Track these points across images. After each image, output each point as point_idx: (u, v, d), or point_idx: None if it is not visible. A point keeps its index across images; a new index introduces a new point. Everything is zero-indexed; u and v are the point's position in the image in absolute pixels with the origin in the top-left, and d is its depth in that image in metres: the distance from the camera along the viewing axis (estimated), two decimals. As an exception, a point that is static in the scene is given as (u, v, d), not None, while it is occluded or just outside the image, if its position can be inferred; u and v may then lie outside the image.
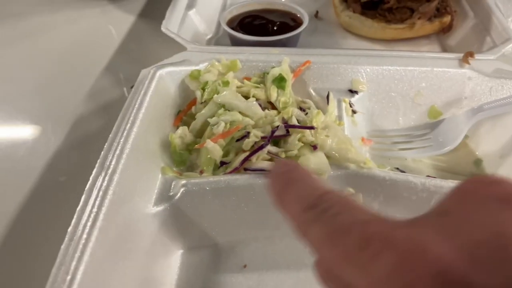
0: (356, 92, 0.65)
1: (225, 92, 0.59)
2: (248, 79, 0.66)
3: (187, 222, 0.52)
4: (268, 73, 0.64)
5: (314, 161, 0.52)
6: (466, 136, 0.64)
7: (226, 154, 0.56)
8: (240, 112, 0.57)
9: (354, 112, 0.63)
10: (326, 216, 0.27)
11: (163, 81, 0.62)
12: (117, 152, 0.50)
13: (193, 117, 0.62)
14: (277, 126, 0.55)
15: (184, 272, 0.51)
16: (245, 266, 0.52)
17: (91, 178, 0.48)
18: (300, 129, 0.54)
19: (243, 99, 0.59)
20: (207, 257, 0.53)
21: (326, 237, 0.26)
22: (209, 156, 0.55)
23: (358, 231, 0.25)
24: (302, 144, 0.53)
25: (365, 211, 0.27)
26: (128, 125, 0.53)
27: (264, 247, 0.53)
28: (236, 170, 0.53)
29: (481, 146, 0.64)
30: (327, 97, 0.61)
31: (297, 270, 0.51)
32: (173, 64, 0.63)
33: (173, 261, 0.52)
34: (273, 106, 0.62)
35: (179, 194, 0.51)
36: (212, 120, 0.56)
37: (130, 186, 0.49)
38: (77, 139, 0.69)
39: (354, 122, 0.63)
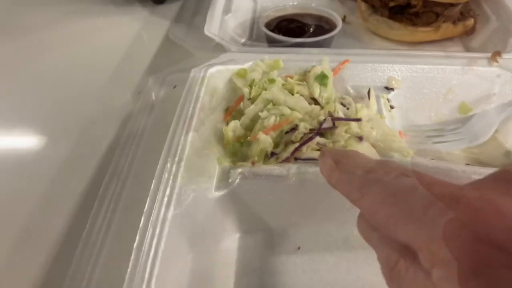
0: (392, 89, 0.69)
1: (272, 89, 0.63)
2: (291, 77, 0.70)
3: (244, 207, 0.56)
4: (309, 71, 0.68)
5: (362, 150, 0.56)
6: (495, 130, 0.68)
7: (276, 145, 0.60)
8: (287, 107, 0.61)
9: (391, 107, 0.67)
10: (388, 178, 0.28)
11: (213, 78, 0.66)
12: (181, 142, 0.54)
13: (241, 113, 0.66)
14: (325, 119, 0.59)
15: (242, 254, 0.55)
16: (298, 248, 0.55)
17: (159, 164, 0.52)
18: (346, 121, 0.58)
19: (290, 94, 0.63)
20: (262, 240, 0.56)
21: (387, 195, 0.27)
22: (260, 147, 0.59)
23: (423, 191, 0.26)
24: (349, 135, 0.57)
25: (427, 175, 0.27)
26: (187, 119, 0.58)
27: (316, 230, 0.57)
28: (287, 160, 0.57)
29: (510, 139, 0.68)
30: (368, 92, 0.65)
31: (348, 251, 0.55)
32: (221, 64, 0.68)
33: (232, 243, 0.56)
34: (316, 102, 0.66)
35: (237, 181, 0.55)
36: (263, 114, 0.60)
37: (194, 172, 0.53)
38: (94, 144, 0.70)
39: (392, 116, 0.67)
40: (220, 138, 0.62)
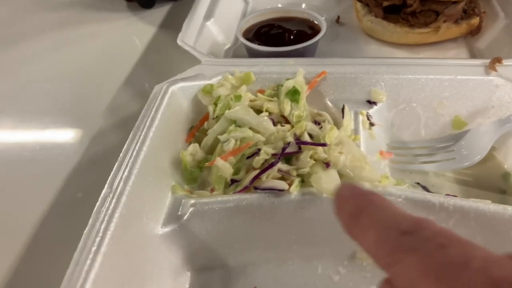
0: (374, 103, 0.62)
1: (236, 107, 0.58)
2: (262, 91, 0.64)
3: (196, 243, 0.51)
4: (282, 85, 0.63)
5: (326, 180, 0.50)
6: (493, 148, 0.60)
7: (236, 171, 0.54)
8: (251, 128, 0.56)
9: (372, 124, 0.61)
10: (429, 247, 0.24)
11: (175, 97, 0.61)
12: (125, 173, 0.50)
13: (205, 133, 0.61)
14: (289, 143, 0.53)
15: (194, 294, 0.51)
16: (255, 289, 0.51)
17: (99, 200, 0.48)
18: (312, 146, 0.52)
19: (255, 114, 0.57)
20: (217, 278, 0.52)
21: (431, 269, 0.23)
22: (219, 173, 0.54)
23: (480, 271, 0.22)
24: (314, 162, 0.52)
25: (476, 245, 0.24)
26: (138, 144, 0.53)
27: (275, 269, 0.52)
28: (246, 189, 0.52)
29: (509, 159, 0.60)
30: (342, 110, 0.58)
31: (309, 293, 0.50)
32: (186, 79, 0.63)
33: (182, 282, 0.51)
34: (287, 120, 0.61)
35: (187, 214, 0.50)
36: (222, 137, 0.55)
37: (138, 207, 0.49)
38: (95, 154, 0.70)
39: (372, 135, 0.60)
40: (180, 161, 0.57)
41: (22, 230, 0.60)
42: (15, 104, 0.81)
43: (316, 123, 0.60)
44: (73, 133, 0.74)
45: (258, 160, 0.52)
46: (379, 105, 0.63)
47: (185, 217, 0.50)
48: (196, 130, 0.62)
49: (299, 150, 0.53)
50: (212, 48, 0.79)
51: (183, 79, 0.63)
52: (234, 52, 0.82)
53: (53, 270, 0.47)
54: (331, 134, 0.53)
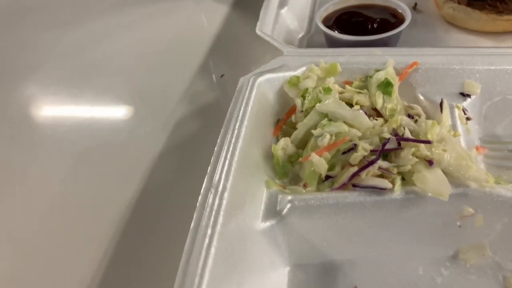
0: (468, 96, 0.60)
1: (328, 101, 0.56)
2: (349, 83, 0.62)
3: (294, 239, 0.50)
4: (371, 77, 0.60)
5: (432, 179, 0.48)
6: None
7: (331, 167, 0.53)
8: (345, 122, 0.54)
9: (468, 119, 0.58)
10: None
11: (262, 88, 0.60)
12: (225, 167, 0.49)
13: (292, 125, 0.60)
14: (388, 139, 0.51)
15: (292, 290, 0.50)
16: (355, 288, 0.50)
17: (201, 195, 0.47)
18: (414, 143, 0.50)
19: (348, 107, 0.56)
20: (314, 275, 0.51)
21: None
22: (313, 169, 0.52)
23: None
24: (417, 160, 0.50)
25: None
26: (234, 138, 0.53)
27: (374, 268, 0.51)
28: (344, 186, 0.51)
29: None
30: (441, 104, 0.56)
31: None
32: (271, 71, 0.62)
33: (281, 277, 0.51)
34: (378, 113, 0.59)
35: (285, 210, 0.50)
36: (316, 132, 0.54)
37: (239, 202, 0.48)
38: (176, 142, 0.69)
39: (468, 130, 0.58)
40: (269, 155, 0.56)
41: (114, 216, 0.60)
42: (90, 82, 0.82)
43: (410, 116, 0.58)
44: (152, 120, 0.74)
45: (356, 157, 0.51)
46: (473, 97, 0.60)
47: (283, 212, 0.50)
48: (283, 123, 0.60)
49: (399, 147, 0.51)
50: (287, 37, 0.77)
51: (268, 71, 0.61)
52: (309, 41, 0.80)
53: (148, 257, 0.48)
54: (433, 131, 0.51)
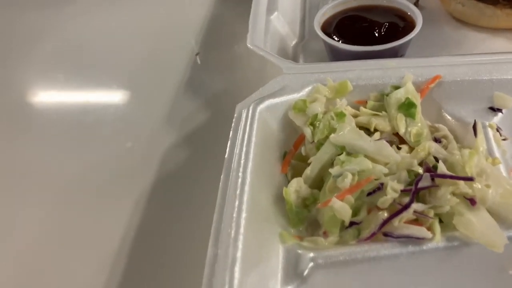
0: (500, 110, 0.52)
1: (343, 131, 0.48)
2: (363, 103, 0.54)
3: (320, 305, 0.42)
4: (387, 95, 0.52)
5: (479, 225, 0.41)
6: None
7: (355, 211, 0.45)
8: (366, 156, 0.46)
9: (504, 139, 0.51)
10: None
11: (264, 118, 0.51)
12: (233, 229, 0.41)
13: (302, 159, 0.51)
14: (421, 176, 0.44)
15: None
16: None
17: (206, 264, 0.39)
18: (452, 179, 0.43)
19: (368, 137, 0.47)
20: None
21: None
22: (334, 214, 0.44)
23: None
24: (458, 200, 0.42)
25: None
26: (239, 185, 0.44)
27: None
28: (373, 236, 0.43)
29: None
30: (474, 127, 0.48)
31: None
32: (272, 95, 0.53)
33: None
34: (400, 139, 0.51)
35: (307, 270, 0.42)
36: (334, 171, 0.45)
37: (253, 266, 0.40)
38: (161, 178, 0.60)
39: (504, 152, 0.50)
40: (279, 198, 0.48)
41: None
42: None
43: (436, 140, 0.50)
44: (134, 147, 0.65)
45: (385, 200, 0.43)
46: (505, 111, 0.52)
47: (305, 273, 0.42)
48: (291, 157, 0.52)
49: (434, 184, 0.43)
50: (280, 46, 0.68)
51: (269, 96, 0.53)
52: (304, 48, 0.71)
53: None
54: (471, 162, 0.43)
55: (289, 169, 0.51)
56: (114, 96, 0.74)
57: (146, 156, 0.63)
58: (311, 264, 0.42)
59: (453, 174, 0.43)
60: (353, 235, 0.45)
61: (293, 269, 0.42)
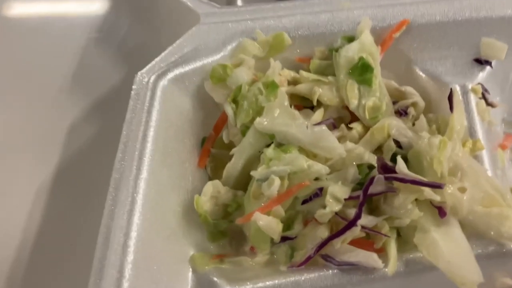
0: (488, 63, 0.39)
1: (273, 112, 0.35)
2: (306, 60, 0.41)
3: None
4: (336, 50, 0.38)
5: (447, 249, 0.30)
6: None
7: (288, 223, 0.34)
8: (301, 148, 0.34)
9: (491, 105, 0.38)
10: None
11: (170, 95, 0.38)
12: (117, 258, 0.30)
13: (226, 146, 0.39)
14: (372, 178, 0.32)
15: None
16: None
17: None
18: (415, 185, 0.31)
19: (304, 123, 0.34)
20: None
21: None
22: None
23: None
24: (421, 214, 0.31)
25: None
26: (130, 190, 0.34)
27: None
28: (309, 260, 0.32)
29: None
30: (450, 98, 0.35)
31: None
32: (180, 62, 0.39)
33: None
34: (352, 114, 0.38)
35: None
36: (258, 174, 0.34)
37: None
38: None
39: (491, 122, 0.38)
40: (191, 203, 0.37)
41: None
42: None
43: (401, 113, 0.38)
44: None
45: (324, 215, 0.32)
46: (495, 64, 0.39)
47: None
48: (210, 145, 0.39)
49: (391, 189, 0.32)
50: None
51: (175, 63, 0.39)
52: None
53: None
54: (442, 156, 0.31)
55: (209, 160, 0.39)
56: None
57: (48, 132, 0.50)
58: (232, 304, 0.32)
59: (415, 178, 0.31)
60: (286, 253, 0.34)
61: (207, 311, 0.33)
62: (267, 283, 0.32)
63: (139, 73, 0.39)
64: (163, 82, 0.38)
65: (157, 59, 0.40)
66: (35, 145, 0.50)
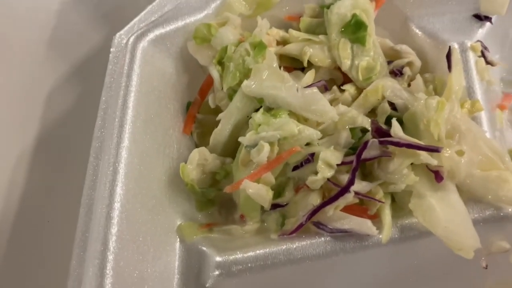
0: (488, 19, 0.37)
1: (261, 73, 0.33)
2: (295, 18, 0.38)
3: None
4: (328, 7, 0.36)
5: (444, 214, 0.29)
6: None
7: (279, 190, 0.33)
8: (291, 112, 0.32)
9: (490, 64, 0.36)
10: None
11: (150, 57, 0.36)
12: (100, 230, 0.29)
13: (212, 111, 0.37)
14: (366, 142, 0.30)
15: None
16: None
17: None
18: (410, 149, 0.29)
19: (294, 85, 0.32)
20: None
21: None
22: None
23: None
24: (417, 179, 0.29)
25: None
26: (111, 158, 0.32)
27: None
28: (300, 228, 0.31)
29: None
30: (448, 56, 0.33)
31: None
32: (160, 22, 0.36)
33: None
34: (346, 77, 0.36)
35: (211, 281, 0.31)
36: (247, 140, 0.32)
37: (134, 274, 0.29)
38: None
39: (490, 82, 0.36)
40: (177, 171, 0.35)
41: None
42: None
43: (396, 73, 0.36)
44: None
45: (315, 181, 0.30)
46: (495, 19, 0.37)
47: (208, 284, 0.31)
48: (196, 110, 0.37)
49: (385, 153, 0.30)
50: None
51: (155, 23, 0.36)
52: None
53: None
54: (439, 118, 0.30)
55: (195, 127, 0.38)
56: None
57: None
58: (216, 272, 0.31)
59: (411, 141, 0.29)
60: (277, 221, 0.33)
61: (193, 280, 0.31)
62: (258, 251, 0.31)
63: (117, 34, 0.37)
64: (143, 43, 0.36)
65: (136, 19, 0.37)
66: (14, 113, 0.48)
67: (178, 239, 0.33)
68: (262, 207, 0.34)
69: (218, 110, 0.36)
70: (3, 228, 0.42)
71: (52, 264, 0.38)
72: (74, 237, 0.31)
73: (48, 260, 0.41)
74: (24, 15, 0.54)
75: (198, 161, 0.34)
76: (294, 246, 0.31)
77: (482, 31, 0.37)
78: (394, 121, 0.30)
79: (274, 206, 0.33)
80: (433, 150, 0.29)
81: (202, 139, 0.37)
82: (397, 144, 0.30)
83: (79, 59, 0.49)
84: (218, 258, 0.31)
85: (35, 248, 0.41)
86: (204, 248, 0.32)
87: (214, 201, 0.36)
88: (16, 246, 0.41)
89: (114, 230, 0.30)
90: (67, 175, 0.43)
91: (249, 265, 0.31)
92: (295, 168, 0.33)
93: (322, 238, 0.31)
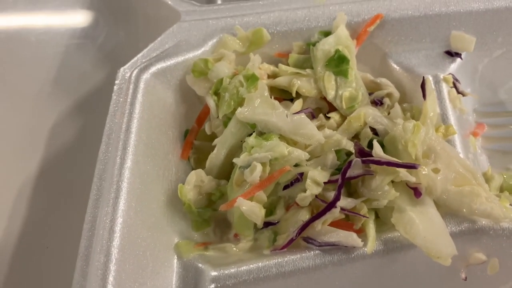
0: (458, 55, 0.41)
1: (253, 102, 0.36)
2: (285, 55, 0.42)
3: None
4: (314, 44, 0.40)
5: (424, 226, 0.31)
6: None
7: (270, 209, 0.35)
8: (281, 136, 0.35)
9: (462, 94, 0.40)
10: None
11: (152, 88, 0.39)
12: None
13: (208, 138, 0.40)
14: (350, 162, 0.33)
15: None
16: None
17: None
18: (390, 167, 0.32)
19: (284, 112, 0.36)
20: None
21: None
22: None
23: None
24: (397, 194, 0.32)
25: None
26: (115, 182, 0.34)
27: None
28: (291, 243, 0.33)
29: None
30: (422, 86, 0.36)
31: None
32: (162, 57, 0.40)
33: None
34: (330, 105, 0.39)
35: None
36: (240, 161, 0.34)
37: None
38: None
39: (462, 110, 0.39)
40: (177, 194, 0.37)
41: None
42: None
43: (376, 103, 0.39)
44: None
45: (304, 198, 0.33)
46: (465, 55, 0.41)
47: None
48: (193, 137, 0.40)
49: (368, 171, 0.33)
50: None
51: (157, 58, 0.40)
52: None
53: None
54: (416, 139, 0.33)
55: (192, 152, 0.40)
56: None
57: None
58: (212, 286, 0.32)
59: (391, 160, 0.32)
60: (269, 238, 0.35)
61: (192, 292, 0.33)
62: (251, 266, 0.33)
63: (121, 68, 0.40)
64: (146, 75, 0.39)
65: (139, 55, 0.41)
66: (18, 145, 0.50)
67: (176, 256, 0.35)
68: (255, 225, 0.36)
69: (213, 137, 0.39)
70: (4, 256, 0.43)
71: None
72: (73, 263, 0.33)
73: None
74: (31, 56, 0.57)
75: (195, 182, 0.37)
76: (285, 260, 0.33)
77: (454, 66, 0.41)
78: (375, 142, 0.33)
79: (266, 224, 0.35)
80: (410, 167, 0.32)
81: (198, 164, 0.40)
82: (378, 163, 0.32)
83: (83, 96, 0.52)
84: (213, 273, 0.33)
85: (35, 274, 0.42)
86: (200, 265, 0.34)
87: (209, 221, 0.38)
88: (15, 274, 0.42)
89: (116, 243, 0.32)
90: (70, 204, 0.44)
91: (243, 278, 0.33)
92: (286, 187, 0.35)
93: (312, 252, 0.33)
